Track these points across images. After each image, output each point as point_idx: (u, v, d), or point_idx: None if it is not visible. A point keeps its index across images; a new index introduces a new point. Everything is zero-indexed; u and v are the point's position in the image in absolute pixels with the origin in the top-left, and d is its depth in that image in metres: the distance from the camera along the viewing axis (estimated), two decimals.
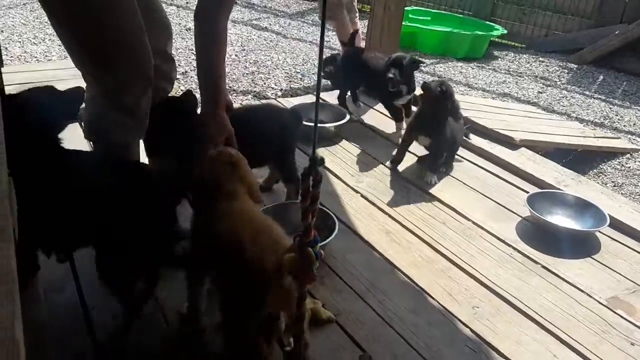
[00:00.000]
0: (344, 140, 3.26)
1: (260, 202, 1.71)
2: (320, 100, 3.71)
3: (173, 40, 2.29)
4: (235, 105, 2.66)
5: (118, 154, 1.95)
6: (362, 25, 6.09)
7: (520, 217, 2.61)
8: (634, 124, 4.73)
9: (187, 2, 6.81)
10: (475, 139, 3.35)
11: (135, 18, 1.84)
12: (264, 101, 3.91)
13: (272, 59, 5.15)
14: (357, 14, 4.37)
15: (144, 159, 2.20)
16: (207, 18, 1.86)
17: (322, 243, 2.02)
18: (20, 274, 1.68)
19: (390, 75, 3.04)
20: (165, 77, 2.20)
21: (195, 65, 2.13)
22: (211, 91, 1.93)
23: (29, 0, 6.20)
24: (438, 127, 2.82)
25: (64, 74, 3.48)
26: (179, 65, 4.50)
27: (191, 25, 5.70)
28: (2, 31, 5.06)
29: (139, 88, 1.90)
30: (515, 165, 3.07)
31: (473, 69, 5.86)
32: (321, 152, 3.05)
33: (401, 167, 2.97)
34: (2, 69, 1.91)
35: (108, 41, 1.79)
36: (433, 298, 2.03)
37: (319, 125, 3.16)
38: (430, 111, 2.85)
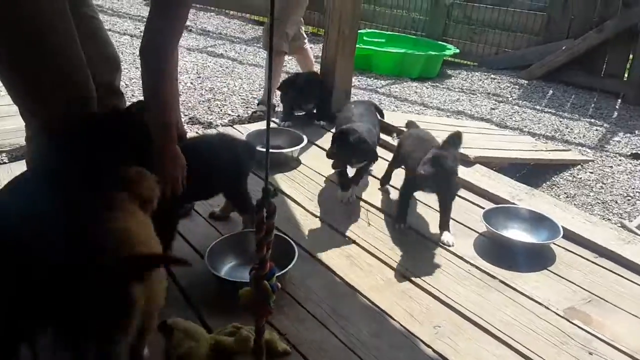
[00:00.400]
0: (302, 164, 3.27)
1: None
2: (277, 126, 3.73)
3: (127, 70, 2.27)
4: (191, 134, 2.66)
5: None
6: (317, 49, 6.14)
7: (478, 233, 2.66)
8: (584, 135, 4.89)
9: (140, 31, 6.77)
10: None
11: (74, 50, 1.82)
12: (219, 129, 3.89)
13: (229, 86, 5.15)
14: (306, 39, 4.45)
15: None
16: (154, 52, 1.84)
17: (282, 272, 2.02)
18: None
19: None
20: None
21: None
22: (163, 127, 1.90)
23: None
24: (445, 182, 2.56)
25: (8, 110, 3.37)
26: (133, 95, 4.46)
27: None
28: None
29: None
30: (471, 182, 3.12)
31: (427, 88, 5.98)
32: (279, 177, 3.06)
33: (360, 191, 2.98)
34: None
35: (42, 73, 1.75)
36: (395, 320, 2.03)
37: (277, 151, 3.21)
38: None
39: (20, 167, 2.86)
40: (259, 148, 2.69)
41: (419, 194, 2.85)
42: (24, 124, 2.00)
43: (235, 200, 2.46)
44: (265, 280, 1.21)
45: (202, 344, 1.62)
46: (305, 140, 3.34)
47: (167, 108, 1.88)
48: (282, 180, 3.03)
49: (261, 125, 3.79)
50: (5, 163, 3.06)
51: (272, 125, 3.75)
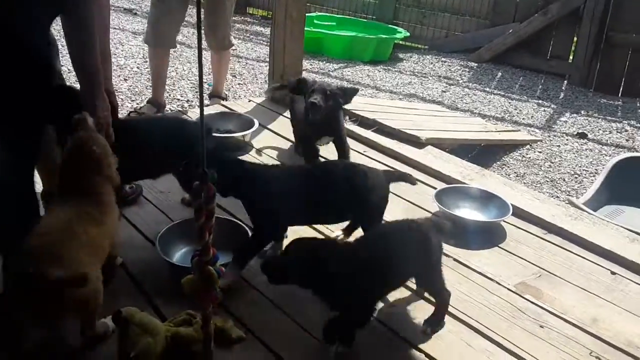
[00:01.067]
0: (254, 149, 3.21)
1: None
2: (228, 110, 3.65)
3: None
4: None
5: None
6: (267, 32, 6.05)
7: (431, 213, 2.67)
8: (532, 116, 5.00)
9: None
10: (384, 140, 3.40)
11: None
12: (167, 113, 3.79)
13: (177, 70, 5.03)
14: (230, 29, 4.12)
15: None
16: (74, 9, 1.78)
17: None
18: None
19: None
20: None
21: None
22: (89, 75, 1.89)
23: None
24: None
25: None
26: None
27: None
28: None
29: None
30: (423, 163, 3.14)
31: (380, 71, 5.99)
32: None
33: None
34: None
35: None
36: None
37: (228, 135, 3.14)
38: None
39: None
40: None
41: None
42: None
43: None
44: (209, 266, 1.16)
45: (159, 339, 1.53)
46: (257, 124, 3.28)
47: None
48: None
49: (211, 109, 3.70)
50: None
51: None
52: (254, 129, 3.25)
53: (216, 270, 1.16)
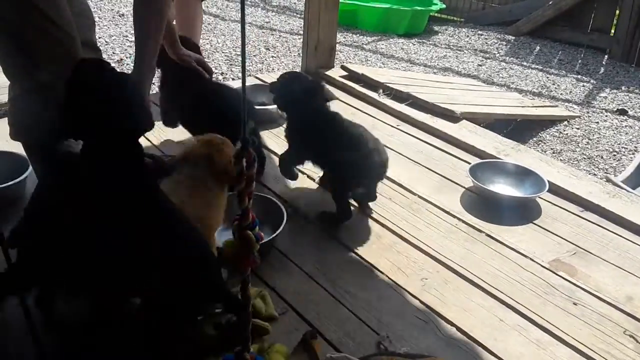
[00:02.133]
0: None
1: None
2: (262, 82, 3.66)
3: (107, 27, 2.20)
4: None
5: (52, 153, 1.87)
6: (300, 4, 6.01)
7: (464, 188, 2.66)
8: (570, 91, 4.89)
9: None
10: (417, 114, 3.38)
11: (63, 8, 1.74)
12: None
13: (211, 43, 5.04)
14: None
15: None
16: None
17: (272, 236, 2.03)
18: None
19: None
20: None
21: (131, 53, 2.04)
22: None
23: None
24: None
25: None
26: (114, 53, 4.35)
27: (124, 11, 5.53)
28: None
29: None
30: (457, 137, 3.11)
31: (414, 44, 5.91)
32: (265, 134, 3.01)
33: None
34: None
35: (37, 31, 1.68)
36: (382, 273, 2.04)
37: (263, 107, 3.15)
38: None
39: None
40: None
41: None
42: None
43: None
44: (248, 230, 1.19)
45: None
46: None
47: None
48: (268, 137, 2.99)
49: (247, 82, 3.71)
50: None
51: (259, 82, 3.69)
52: None
53: (255, 235, 1.18)
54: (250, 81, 3.70)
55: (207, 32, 5.37)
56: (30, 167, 2.18)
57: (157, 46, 1.93)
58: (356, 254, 2.15)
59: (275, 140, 2.96)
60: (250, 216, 1.18)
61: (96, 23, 2.26)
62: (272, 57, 4.95)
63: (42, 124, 1.79)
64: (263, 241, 1.76)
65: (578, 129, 4.07)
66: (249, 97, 3.02)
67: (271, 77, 3.72)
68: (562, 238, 2.34)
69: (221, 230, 2.11)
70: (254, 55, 4.90)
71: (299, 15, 6.36)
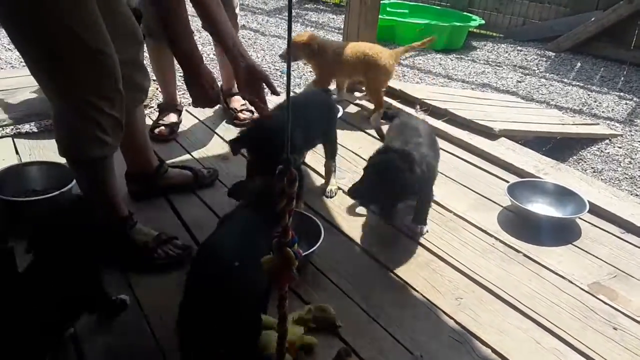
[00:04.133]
0: None
1: None
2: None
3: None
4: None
5: (95, 169, 1.93)
6: (339, 20, 6.07)
7: (502, 206, 2.63)
8: (612, 109, 4.79)
9: None
10: (455, 130, 3.37)
11: (98, 27, 1.79)
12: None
13: (252, 57, 5.12)
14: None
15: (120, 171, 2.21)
16: None
17: (309, 251, 2.05)
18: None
19: None
20: (138, 87, 2.16)
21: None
22: (185, 55, 1.94)
23: None
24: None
25: None
26: None
27: None
28: None
29: (110, 100, 1.84)
30: (495, 155, 3.09)
31: (452, 60, 5.89)
32: None
33: None
34: None
35: (72, 51, 1.72)
36: (417, 291, 2.04)
37: None
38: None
39: (47, 136, 2.92)
40: None
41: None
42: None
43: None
44: (287, 248, 1.22)
45: None
46: (341, 111, 3.30)
47: (179, 38, 1.91)
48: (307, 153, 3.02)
49: (284, 97, 3.76)
50: (34, 132, 3.06)
51: None
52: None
53: (294, 252, 1.21)
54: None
55: (247, 47, 5.45)
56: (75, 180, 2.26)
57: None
58: (391, 271, 2.15)
59: (312, 156, 2.98)
60: (290, 234, 1.20)
61: None
62: (310, 72, 4.98)
63: (82, 140, 1.86)
64: (307, 252, 1.79)
65: (620, 147, 3.98)
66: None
67: None
68: (602, 260, 2.29)
69: None
70: (293, 71, 4.95)
71: (337, 32, 6.41)
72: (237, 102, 3.44)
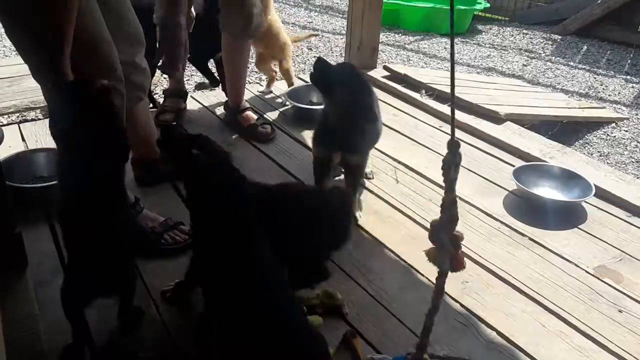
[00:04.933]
0: None
1: None
2: (304, 82, 3.69)
3: None
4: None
5: None
6: (343, 4, 6.01)
7: (507, 190, 2.63)
8: (619, 92, 4.76)
9: None
10: (460, 114, 3.35)
11: (97, 26, 1.80)
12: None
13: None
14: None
15: None
16: None
17: None
18: (9, 268, 1.68)
19: None
20: (138, 87, 2.17)
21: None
22: None
23: None
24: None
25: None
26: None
27: None
28: None
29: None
30: (501, 139, 3.07)
31: (457, 44, 5.84)
32: (307, 134, 3.04)
33: (388, 148, 2.95)
34: None
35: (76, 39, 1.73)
36: (422, 275, 2.04)
37: (311, 107, 3.18)
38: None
39: None
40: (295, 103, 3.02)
41: None
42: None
43: None
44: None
45: None
46: None
47: None
48: (308, 136, 3.02)
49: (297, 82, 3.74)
50: (39, 119, 3.12)
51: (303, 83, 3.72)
52: None
53: None
54: (301, 82, 3.72)
55: None
56: None
57: None
58: (395, 254, 2.16)
59: None
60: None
61: None
62: (315, 57, 4.96)
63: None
64: None
65: (626, 131, 3.96)
66: (302, 98, 3.23)
67: None
68: (607, 244, 2.29)
69: None
70: (297, 56, 4.93)
71: (341, 16, 6.38)
72: (249, 118, 3.07)
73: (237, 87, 3.05)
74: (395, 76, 3.88)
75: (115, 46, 1.87)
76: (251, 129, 3.01)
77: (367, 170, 2.61)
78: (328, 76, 2.20)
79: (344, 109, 2.18)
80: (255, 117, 3.08)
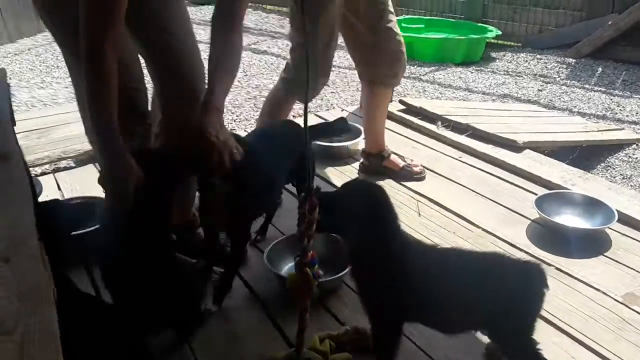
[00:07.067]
0: (355, 160, 3.26)
1: None
2: (320, 119, 3.77)
3: None
4: (241, 132, 2.73)
5: None
6: None
7: (530, 220, 2.65)
8: (637, 113, 4.76)
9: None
10: (478, 144, 3.39)
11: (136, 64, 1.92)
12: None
13: (274, 82, 5.21)
14: None
15: None
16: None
17: (339, 274, 2.11)
18: None
19: None
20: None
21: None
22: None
23: (34, 45, 6.34)
24: None
25: (72, 117, 3.46)
26: None
27: None
28: (10, 78, 5.17)
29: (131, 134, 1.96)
30: (522, 168, 3.10)
31: (472, 72, 5.91)
32: (330, 171, 3.11)
33: (410, 182, 3.00)
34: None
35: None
36: None
37: (336, 144, 3.22)
38: None
39: (85, 171, 3.04)
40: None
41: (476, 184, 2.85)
42: None
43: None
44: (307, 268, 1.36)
45: None
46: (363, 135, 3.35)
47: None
48: (333, 174, 3.08)
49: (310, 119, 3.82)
50: (72, 168, 3.21)
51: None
52: (359, 139, 3.29)
53: (313, 273, 1.34)
54: (311, 119, 3.81)
55: (270, 72, 5.59)
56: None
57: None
58: None
59: (340, 177, 3.04)
60: (310, 255, 1.32)
61: None
62: (331, 93, 5.07)
63: None
64: (334, 277, 1.85)
65: None
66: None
67: (331, 114, 3.84)
68: (635, 270, 2.29)
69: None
70: None
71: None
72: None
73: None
74: (410, 109, 3.95)
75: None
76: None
77: None
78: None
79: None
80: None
